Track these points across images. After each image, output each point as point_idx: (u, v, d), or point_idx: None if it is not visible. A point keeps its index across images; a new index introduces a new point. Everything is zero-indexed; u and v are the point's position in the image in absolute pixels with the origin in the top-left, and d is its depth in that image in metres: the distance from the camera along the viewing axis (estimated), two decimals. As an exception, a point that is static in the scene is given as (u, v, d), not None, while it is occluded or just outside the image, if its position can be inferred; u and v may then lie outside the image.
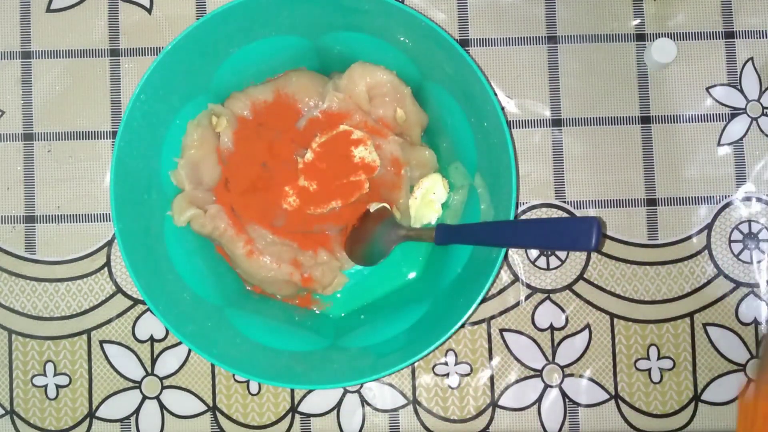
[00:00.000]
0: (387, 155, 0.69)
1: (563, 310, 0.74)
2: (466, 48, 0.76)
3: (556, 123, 0.75)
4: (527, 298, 0.74)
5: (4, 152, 0.75)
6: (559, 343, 0.74)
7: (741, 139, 0.75)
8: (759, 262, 0.74)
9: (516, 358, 0.74)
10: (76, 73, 0.75)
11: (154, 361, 0.74)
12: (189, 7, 0.76)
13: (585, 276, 0.74)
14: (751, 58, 0.75)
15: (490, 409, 0.73)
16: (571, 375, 0.74)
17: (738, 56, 0.75)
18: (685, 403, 0.73)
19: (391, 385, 0.74)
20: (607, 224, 0.74)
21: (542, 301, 0.74)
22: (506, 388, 0.73)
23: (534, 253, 0.74)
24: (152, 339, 0.74)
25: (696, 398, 0.73)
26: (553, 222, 0.66)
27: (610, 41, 0.76)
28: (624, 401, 0.73)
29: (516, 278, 0.74)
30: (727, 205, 0.75)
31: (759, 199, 0.74)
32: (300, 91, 0.71)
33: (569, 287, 0.74)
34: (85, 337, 0.74)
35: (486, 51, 0.76)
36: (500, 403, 0.73)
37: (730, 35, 0.76)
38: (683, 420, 0.73)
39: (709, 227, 0.74)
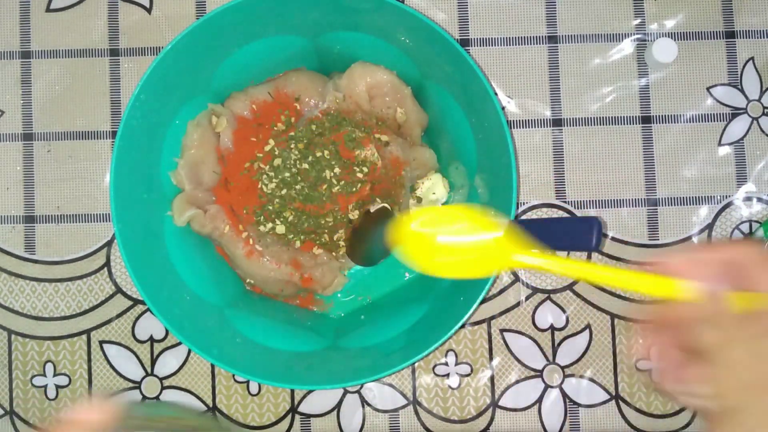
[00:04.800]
0: (387, 155, 0.69)
1: (564, 311, 0.74)
2: (466, 48, 0.76)
3: (556, 123, 0.75)
4: (527, 298, 0.74)
5: (4, 152, 0.75)
6: (559, 344, 0.74)
7: (742, 139, 0.75)
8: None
9: (516, 359, 0.73)
10: (75, 73, 0.75)
11: (153, 361, 0.74)
12: (189, 6, 0.76)
13: (585, 276, 0.74)
14: (752, 58, 0.75)
15: (491, 410, 0.73)
16: (572, 375, 0.73)
17: (739, 56, 0.75)
18: (685, 403, 0.73)
19: (391, 385, 0.74)
20: (607, 224, 0.74)
21: (543, 301, 0.74)
22: (507, 389, 0.73)
23: (534, 253, 0.74)
24: (152, 339, 0.74)
25: (696, 398, 0.73)
26: (553, 222, 0.65)
27: (610, 41, 0.76)
28: (625, 402, 0.73)
29: (516, 278, 0.74)
30: (728, 205, 0.74)
31: (760, 199, 0.74)
32: (300, 91, 0.70)
33: (570, 287, 0.74)
34: (84, 337, 0.74)
35: (486, 51, 0.76)
36: (501, 403, 0.73)
37: (730, 35, 0.75)
38: (684, 420, 0.73)
39: (709, 227, 0.74)
